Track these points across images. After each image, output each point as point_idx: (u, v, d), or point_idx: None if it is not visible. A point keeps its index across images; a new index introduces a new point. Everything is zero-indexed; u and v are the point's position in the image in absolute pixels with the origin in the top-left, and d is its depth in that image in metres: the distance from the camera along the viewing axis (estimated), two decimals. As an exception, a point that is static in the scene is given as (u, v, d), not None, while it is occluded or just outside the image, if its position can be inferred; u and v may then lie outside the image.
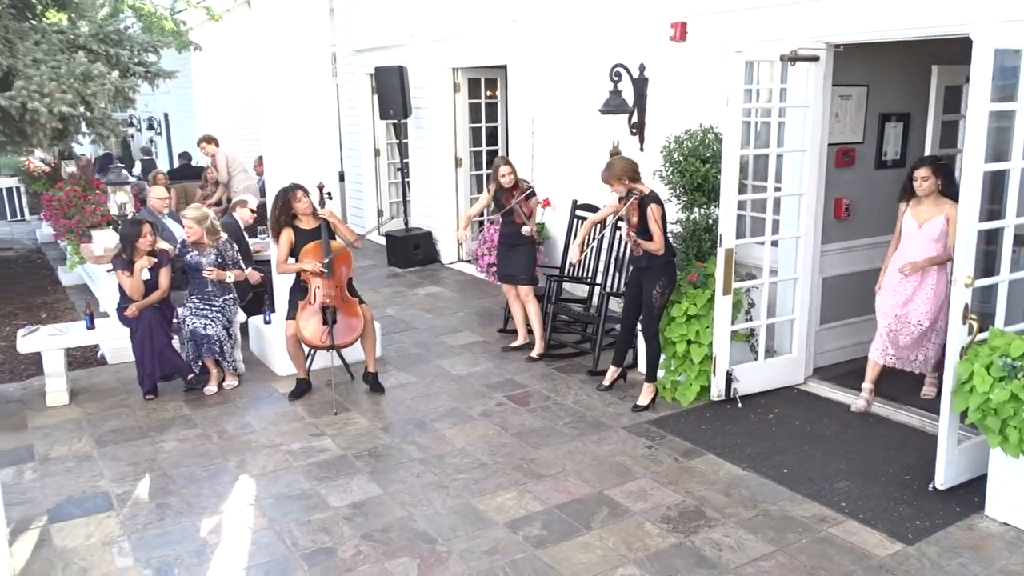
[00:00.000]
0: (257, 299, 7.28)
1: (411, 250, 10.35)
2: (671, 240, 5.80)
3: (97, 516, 4.48)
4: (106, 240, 8.06)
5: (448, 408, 5.88)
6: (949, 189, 5.20)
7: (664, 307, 5.75)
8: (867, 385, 5.62)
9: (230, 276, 6.28)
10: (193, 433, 5.55)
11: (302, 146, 6.40)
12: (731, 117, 5.32)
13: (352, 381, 6.37)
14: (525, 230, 6.69)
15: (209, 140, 11.38)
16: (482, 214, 6.76)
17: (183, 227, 6.44)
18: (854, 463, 4.90)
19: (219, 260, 6.26)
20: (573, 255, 6.01)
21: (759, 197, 5.91)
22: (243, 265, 6.57)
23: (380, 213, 11.93)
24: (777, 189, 5.82)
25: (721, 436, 5.30)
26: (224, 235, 6.46)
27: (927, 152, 6.15)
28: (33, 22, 10.02)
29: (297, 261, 6.05)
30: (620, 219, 5.81)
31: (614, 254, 6.80)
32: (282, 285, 6.48)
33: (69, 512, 4.53)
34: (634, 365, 6.36)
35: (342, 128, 12.40)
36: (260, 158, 11.00)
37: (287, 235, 6.06)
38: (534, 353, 6.80)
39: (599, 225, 6.92)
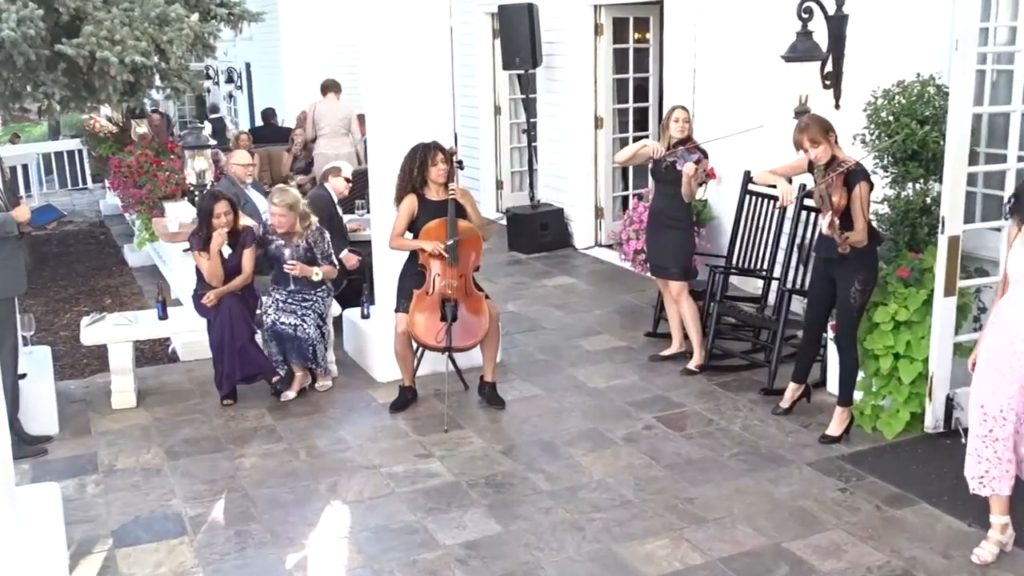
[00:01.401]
0: (353, 288, 7.43)
1: (538, 231, 10.37)
2: (875, 224, 5.59)
3: (168, 542, 4.69)
4: (181, 214, 8.43)
5: (583, 429, 5.87)
6: None
7: (864, 309, 5.55)
8: (997, 520, 4.44)
9: (317, 273, 6.36)
10: (278, 448, 5.74)
11: (413, 101, 6.46)
12: (962, 65, 5.07)
13: (465, 392, 6.44)
14: (688, 168, 6.32)
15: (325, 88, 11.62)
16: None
17: (269, 212, 6.55)
18: (1122, 523, 4.59)
19: (308, 253, 6.36)
20: (787, 194, 5.80)
21: (996, 169, 5.64)
22: (335, 260, 6.67)
23: (499, 185, 12.01)
24: (1020, 159, 5.56)
25: (938, 480, 5.10)
26: (315, 221, 6.54)
27: None
28: (103, -43, 10.57)
29: (416, 239, 6.04)
30: (808, 195, 5.62)
31: (797, 240, 6.61)
32: (384, 271, 6.60)
33: (137, 536, 4.77)
34: (822, 383, 6.20)
35: (455, 80, 12.55)
36: (361, 116, 11.26)
37: (410, 202, 6.02)
38: (692, 364, 6.71)
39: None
